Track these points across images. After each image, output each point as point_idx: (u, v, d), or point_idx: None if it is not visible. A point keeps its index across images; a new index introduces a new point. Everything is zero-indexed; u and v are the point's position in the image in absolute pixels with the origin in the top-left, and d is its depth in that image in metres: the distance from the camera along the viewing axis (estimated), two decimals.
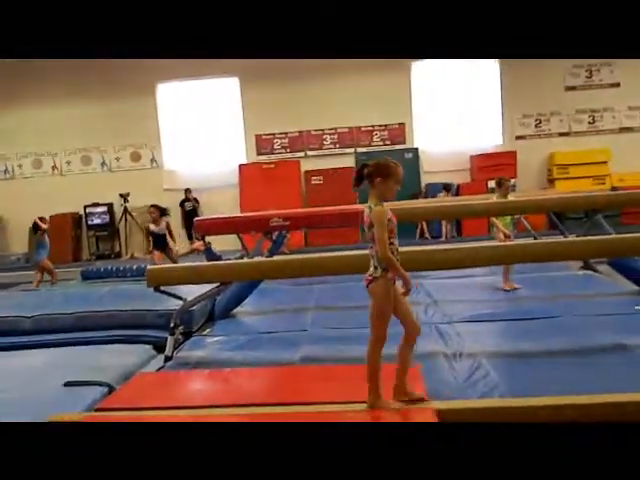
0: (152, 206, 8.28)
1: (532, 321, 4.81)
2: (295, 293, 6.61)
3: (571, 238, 6.09)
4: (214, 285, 5.24)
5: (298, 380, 3.39)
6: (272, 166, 12.89)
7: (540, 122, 12.67)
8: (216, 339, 4.82)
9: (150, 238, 8.40)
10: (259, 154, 13.17)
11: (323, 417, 2.64)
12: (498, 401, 2.93)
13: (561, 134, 12.57)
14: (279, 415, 2.74)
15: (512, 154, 12.22)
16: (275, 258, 5.57)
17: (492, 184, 11.87)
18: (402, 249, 4.80)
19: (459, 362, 3.80)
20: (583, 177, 11.58)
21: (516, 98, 12.49)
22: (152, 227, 7.99)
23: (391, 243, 2.78)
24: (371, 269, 2.83)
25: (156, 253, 7.92)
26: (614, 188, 10.54)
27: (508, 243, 5.58)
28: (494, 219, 6.19)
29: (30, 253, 11.83)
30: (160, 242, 7.87)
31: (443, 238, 11.40)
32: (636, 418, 2.70)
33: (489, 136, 12.78)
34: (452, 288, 6.33)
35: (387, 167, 2.82)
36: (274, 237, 7.24)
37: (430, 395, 3.02)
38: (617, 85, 12.44)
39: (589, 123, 12.56)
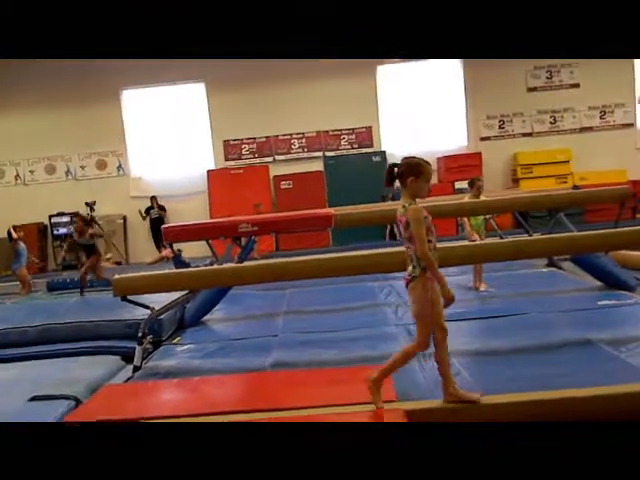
0: (77, 216, 8.25)
1: (501, 319, 4.88)
2: (266, 298, 6.59)
3: (536, 236, 6.21)
4: (183, 293, 5.20)
5: (268, 386, 3.38)
6: (241, 171, 12.84)
7: (503, 123, 12.92)
8: (186, 347, 4.77)
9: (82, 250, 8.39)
10: (227, 160, 13.10)
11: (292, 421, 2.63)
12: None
13: (524, 134, 12.83)
14: (249, 422, 2.72)
15: (477, 155, 12.43)
16: (245, 264, 5.54)
17: (459, 185, 12.11)
18: (374, 251, 4.85)
19: (429, 362, 3.82)
20: (546, 176, 11.85)
21: (480, 100, 12.71)
22: (75, 237, 8.05)
23: (429, 240, 2.77)
24: (409, 268, 2.81)
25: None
26: (576, 187, 10.80)
27: (478, 242, 5.66)
28: (465, 219, 6.27)
29: None
30: (90, 252, 7.91)
31: None
32: (606, 411, 2.76)
33: (455, 138, 12.97)
34: None
35: (418, 166, 2.83)
36: (244, 243, 7.23)
37: (400, 396, 3.04)
38: (577, 86, 12.76)
39: (551, 123, 12.85)
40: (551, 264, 6.97)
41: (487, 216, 6.60)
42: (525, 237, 6.57)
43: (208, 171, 12.89)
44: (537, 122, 12.87)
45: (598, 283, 5.77)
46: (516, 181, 12.45)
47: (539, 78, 12.80)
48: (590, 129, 12.79)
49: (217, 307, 5.88)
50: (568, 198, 6.92)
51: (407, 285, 2.83)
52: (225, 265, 5.36)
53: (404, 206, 2.80)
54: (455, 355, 3.89)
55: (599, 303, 5.04)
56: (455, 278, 6.74)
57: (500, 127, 12.92)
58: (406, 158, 2.88)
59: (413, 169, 2.80)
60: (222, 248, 7.56)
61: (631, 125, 12.09)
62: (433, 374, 3.59)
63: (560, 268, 6.80)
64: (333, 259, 4.05)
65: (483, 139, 12.89)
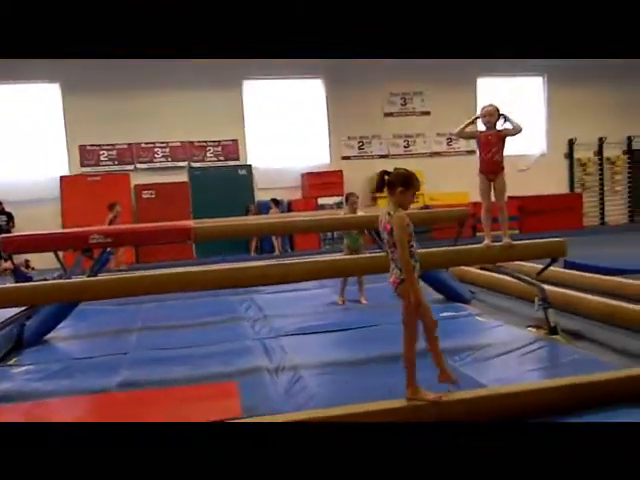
0: None
1: (354, 331, 5.09)
2: (118, 314, 6.28)
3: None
4: (22, 308, 4.78)
5: (112, 408, 3.22)
6: (98, 179, 12.17)
7: (363, 144, 13.63)
8: (24, 369, 4.38)
9: None
10: (83, 166, 12.35)
11: None
12: (307, 413, 2.97)
13: (381, 156, 13.64)
14: None
15: (339, 173, 12.96)
16: (94, 278, 5.24)
17: (322, 201, 12.53)
18: (235, 265, 4.82)
19: (280, 376, 3.89)
20: None
21: (341, 121, 13.30)
22: None
23: (411, 246, 2.86)
24: (397, 272, 2.90)
25: None
26: (426, 206, 11.66)
27: (335, 258, 5.83)
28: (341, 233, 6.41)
29: None
30: None
31: (276, 252, 11.68)
32: (440, 417, 2.97)
33: (318, 155, 13.42)
34: (283, 302, 6.49)
35: (409, 178, 2.91)
36: (99, 254, 6.84)
37: (248, 411, 3.05)
38: (428, 113, 13.87)
39: (405, 147, 13.81)
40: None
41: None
42: (378, 253, 6.95)
43: (61, 177, 12.06)
44: (393, 145, 13.76)
45: (440, 296, 6.26)
46: (375, 199, 13.16)
47: (395, 104, 13.74)
48: (439, 154, 13.96)
49: (63, 324, 5.49)
50: (417, 217, 7.41)
51: (396, 288, 2.95)
52: (71, 279, 5.02)
53: (389, 213, 2.89)
54: (306, 368, 4.02)
55: (440, 315, 5.46)
56: (315, 292, 6.97)
57: (360, 148, 13.61)
58: (397, 169, 2.97)
59: (404, 180, 2.90)
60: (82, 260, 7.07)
61: (473, 152, 13.29)
62: (283, 387, 3.67)
63: None
64: (183, 274, 3.98)
65: (344, 158, 13.48)
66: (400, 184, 2.90)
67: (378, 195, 12.85)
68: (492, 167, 4.34)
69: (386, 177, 2.94)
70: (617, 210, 15.27)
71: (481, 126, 4.45)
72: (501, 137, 4.29)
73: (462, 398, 3.06)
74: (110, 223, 10.36)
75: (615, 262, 7.41)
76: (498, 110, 4.30)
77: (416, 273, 2.92)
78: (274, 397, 3.50)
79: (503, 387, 3.15)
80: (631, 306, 4.76)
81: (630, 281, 5.83)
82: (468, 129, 4.43)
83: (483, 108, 4.34)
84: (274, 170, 13.05)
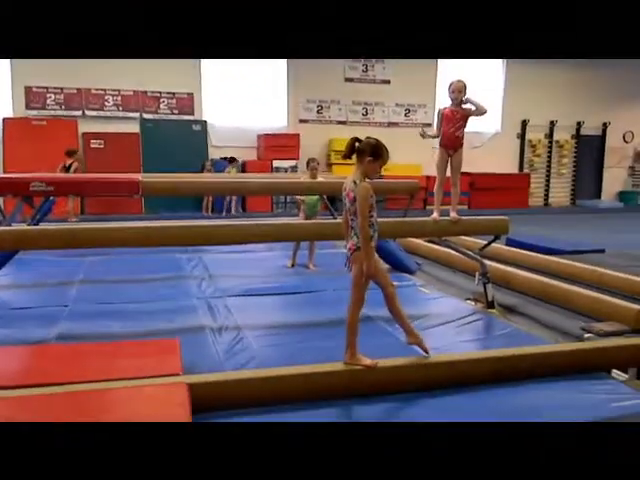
0: None
1: (300, 295, 5.16)
2: (62, 265, 6.12)
3: (339, 220, 6.61)
4: None
5: (48, 359, 3.17)
6: (44, 123, 11.62)
7: (322, 108, 13.51)
8: None
9: None
10: (28, 108, 11.75)
11: (64, 399, 2.51)
12: (246, 372, 3.04)
13: (339, 122, 13.58)
14: (18, 399, 2.53)
15: (296, 136, 12.82)
16: (34, 227, 5.06)
17: (277, 164, 12.44)
18: (190, 223, 4.74)
19: (223, 335, 3.92)
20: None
21: (300, 83, 13.10)
22: None
23: (371, 216, 2.90)
24: (355, 239, 2.96)
25: None
26: (380, 176, 11.75)
27: (294, 221, 5.83)
28: (298, 197, 6.44)
29: None
30: None
31: (232, 212, 11.61)
32: (378, 382, 3.07)
33: (275, 117, 13.22)
34: (232, 263, 6.48)
35: (379, 149, 2.92)
36: (41, 203, 6.60)
37: (189, 369, 3.07)
38: (388, 82, 13.83)
39: (363, 115, 13.78)
40: None
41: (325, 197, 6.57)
42: (330, 220, 7.00)
43: (4, 119, 11.46)
44: (352, 112, 13.70)
45: (387, 266, 6.38)
46: (330, 165, 13.16)
47: (356, 69, 13.62)
48: (396, 124, 14.01)
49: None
50: (400, 186, 7.46)
51: (351, 254, 3.00)
52: (11, 227, 4.84)
53: (355, 182, 2.89)
54: (250, 329, 4.06)
55: None
56: (265, 254, 6.98)
57: (318, 112, 13.49)
58: (369, 138, 2.97)
59: (374, 150, 2.91)
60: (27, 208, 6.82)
61: (429, 125, 13.45)
62: (225, 346, 3.71)
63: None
64: (128, 228, 3.87)
65: (302, 121, 13.34)
66: (369, 153, 2.92)
67: (334, 162, 12.89)
68: (453, 142, 4.40)
69: (357, 144, 2.95)
70: (561, 192, 15.86)
71: (446, 102, 4.46)
72: (465, 115, 4.34)
73: (396, 365, 3.18)
74: (76, 171, 10.05)
75: (553, 242, 7.76)
76: (466, 87, 4.31)
77: (373, 242, 2.98)
78: (215, 356, 3.53)
79: (436, 356, 3.28)
80: (563, 285, 5.01)
81: (564, 261, 6.13)
82: (436, 126, 4.47)
83: (452, 83, 4.33)
84: (230, 128, 12.80)
